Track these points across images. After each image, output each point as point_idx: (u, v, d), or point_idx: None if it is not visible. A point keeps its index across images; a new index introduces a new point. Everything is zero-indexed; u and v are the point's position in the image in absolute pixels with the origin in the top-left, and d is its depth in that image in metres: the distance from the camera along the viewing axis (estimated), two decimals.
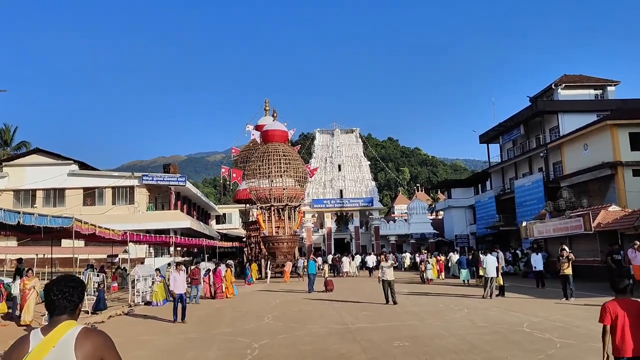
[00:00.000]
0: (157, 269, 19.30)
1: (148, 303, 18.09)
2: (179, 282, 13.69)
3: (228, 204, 68.67)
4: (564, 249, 15.25)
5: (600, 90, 41.46)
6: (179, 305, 13.16)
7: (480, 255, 20.95)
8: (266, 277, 30.26)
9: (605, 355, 4.43)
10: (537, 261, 19.47)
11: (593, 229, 20.83)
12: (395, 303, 14.98)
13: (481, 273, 16.80)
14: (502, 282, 16.15)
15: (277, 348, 9.20)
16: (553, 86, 41.08)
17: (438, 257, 25.95)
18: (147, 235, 20.38)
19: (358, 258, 36.85)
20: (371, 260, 33.62)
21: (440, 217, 65.38)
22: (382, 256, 17.72)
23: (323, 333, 10.57)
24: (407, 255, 39.04)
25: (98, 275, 19.79)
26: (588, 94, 41.17)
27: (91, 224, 14.42)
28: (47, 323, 2.67)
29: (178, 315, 13.09)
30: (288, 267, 28.97)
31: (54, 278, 2.84)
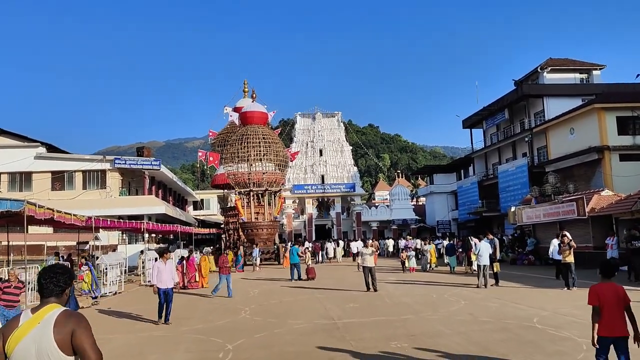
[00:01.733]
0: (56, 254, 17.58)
1: None
2: (164, 275, 11.30)
3: (207, 189, 66.91)
4: (565, 235, 14.27)
5: (586, 74, 40.86)
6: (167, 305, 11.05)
7: (472, 241, 20.03)
8: (250, 263, 28.94)
9: (596, 336, 4.87)
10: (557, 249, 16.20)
11: (587, 214, 20.04)
12: (375, 290, 14.71)
13: (473, 260, 15.78)
14: (499, 269, 15.12)
15: (254, 350, 7.92)
16: (539, 69, 40.32)
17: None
18: (115, 220, 18.84)
19: (341, 244, 35.79)
20: (357, 246, 32.76)
21: (421, 203, 64.79)
22: (370, 242, 17.18)
23: (307, 330, 9.32)
24: (390, 241, 38.08)
25: (87, 265, 18.16)
26: (574, 77, 40.54)
27: (48, 208, 12.85)
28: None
29: (163, 315, 10.95)
30: (287, 252, 26.66)
31: (45, 266, 3.12)
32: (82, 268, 15.24)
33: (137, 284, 20.96)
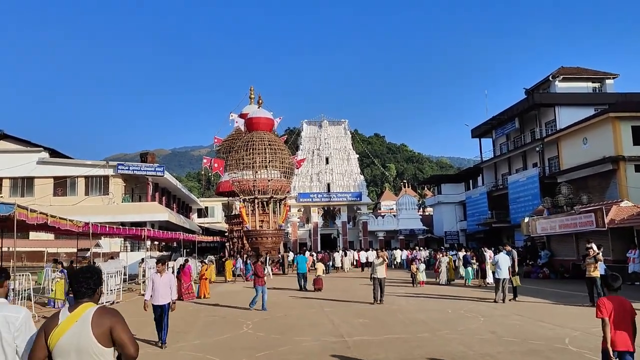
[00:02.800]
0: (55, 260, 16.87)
1: (44, 304, 15.86)
2: (161, 289, 9.42)
3: (212, 197, 66.23)
4: (591, 247, 13.40)
5: (599, 83, 40.07)
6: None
7: (486, 253, 19.16)
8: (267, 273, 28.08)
9: (610, 349, 4.74)
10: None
11: (606, 225, 19.15)
12: (381, 302, 14.37)
13: (491, 270, 14.83)
14: (519, 283, 14.21)
15: None
16: (550, 78, 39.56)
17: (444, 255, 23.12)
18: (114, 227, 18.10)
19: (349, 254, 34.91)
20: (367, 255, 32.31)
21: (427, 213, 63.83)
22: (381, 252, 16.42)
23: (315, 350, 8.50)
24: (398, 252, 37.13)
25: (61, 272, 17.44)
26: (586, 86, 39.75)
27: (41, 213, 12.14)
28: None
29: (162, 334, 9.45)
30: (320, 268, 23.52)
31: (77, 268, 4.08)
32: (54, 274, 14.45)
33: (137, 293, 20.19)
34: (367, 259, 32.47)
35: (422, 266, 20.31)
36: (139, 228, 21.24)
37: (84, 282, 3.13)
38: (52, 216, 12.84)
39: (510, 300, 13.89)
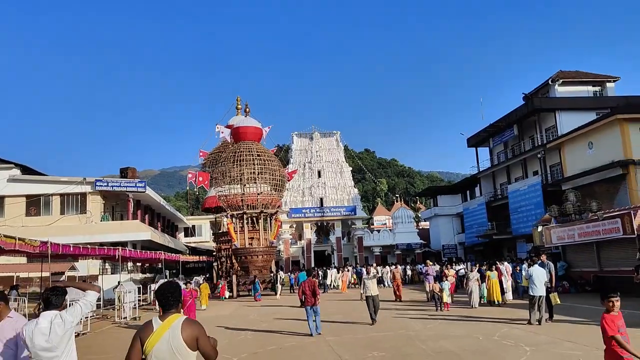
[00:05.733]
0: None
1: None
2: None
3: (201, 215, 63.74)
4: None
5: (599, 87, 38.75)
6: None
7: (502, 266, 17.02)
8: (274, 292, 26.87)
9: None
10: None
11: (635, 231, 17.22)
12: (374, 322, 13.46)
13: (526, 285, 12.61)
14: (558, 301, 12.00)
15: None
16: (549, 82, 38.16)
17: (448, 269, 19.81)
18: (80, 247, 15.69)
19: (349, 270, 32.74)
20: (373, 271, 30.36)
21: (421, 227, 61.83)
22: (372, 267, 14.56)
23: None
24: (399, 268, 34.85)
25: (15, 300, 15.09)
26: (586, 90, 38.42)
27: None
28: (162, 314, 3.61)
29: None
30: (345, 277, 22.50)
31: (161, 284, 3.91)
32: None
33: (110, 322, 17.79)
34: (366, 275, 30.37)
35: (447, 284, 16.44)
36: (113, 248, 18.86)
37: (170, 295, 3.62)
38: None
39: (546, 320, 11.76)
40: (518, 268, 17.23)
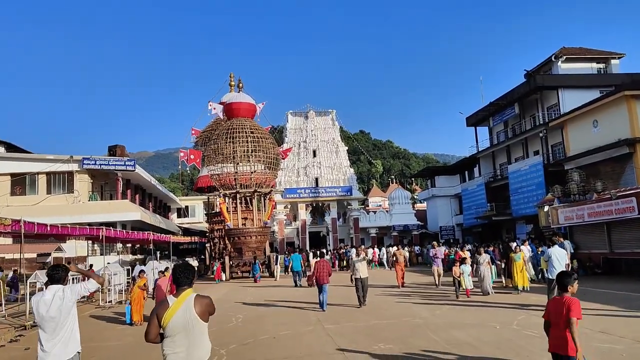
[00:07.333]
0: None
1: None
2: None
3: (194, 195, 62.60)
4: None
5: (603, 64, 37.56)
6: None
7: (515, 246, 15.99)
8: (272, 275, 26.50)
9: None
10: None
11: None
12: (363, 304, 13.24)
13: (542, 269, 11.61)
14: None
15: None
16: (552, 59, 36.92)
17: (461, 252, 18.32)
18: (57, 226, 14.53)
19: (353, 252, 32.19)
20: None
21: (418, 209, 61.01)
22: (360, 248, 14.01)
23: None
24: (393, 249, 33.98)
25: None
26: (590, 67, 37.24)
27: None
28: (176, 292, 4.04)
29: None
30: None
31: (176, 264, 4.47)
32: None
33: (93, 307, 16.77)
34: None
35: (467, 268, 14.78)
36: (97, 228, 17.75)
37: (184, 274, 4.09)
38: None
39: None
40: (540, 249, 15.87)
